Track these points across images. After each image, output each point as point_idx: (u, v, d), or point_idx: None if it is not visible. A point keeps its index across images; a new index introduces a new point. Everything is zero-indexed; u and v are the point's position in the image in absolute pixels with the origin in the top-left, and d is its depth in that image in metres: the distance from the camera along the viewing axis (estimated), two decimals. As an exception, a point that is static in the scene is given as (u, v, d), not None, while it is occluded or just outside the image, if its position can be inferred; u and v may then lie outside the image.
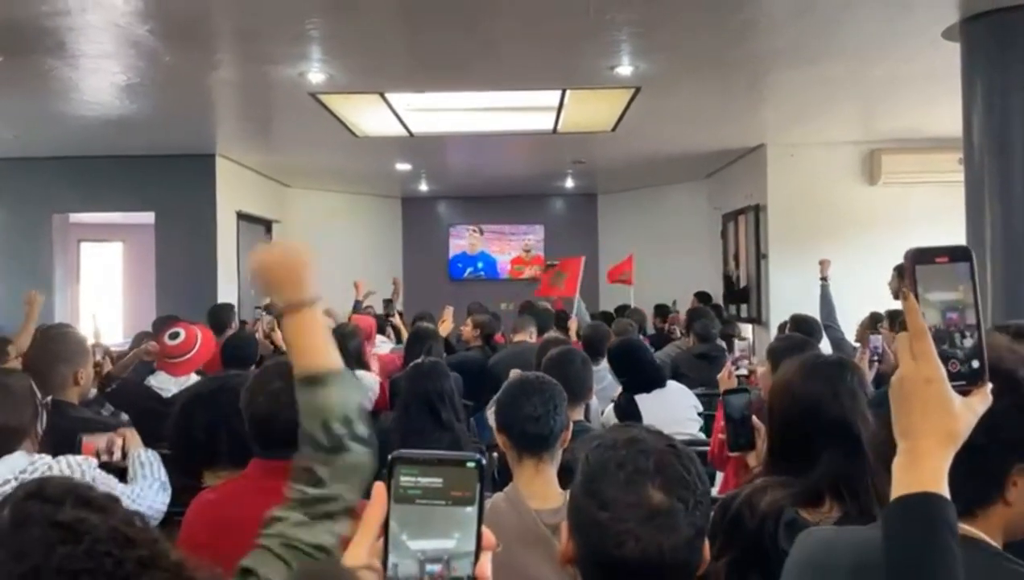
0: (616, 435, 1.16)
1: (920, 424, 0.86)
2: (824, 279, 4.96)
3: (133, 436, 2.33)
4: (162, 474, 2.23)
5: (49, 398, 2.37)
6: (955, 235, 4.18)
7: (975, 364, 0.88)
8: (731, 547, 1.55)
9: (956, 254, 0.90)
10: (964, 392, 0.87)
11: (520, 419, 1.87)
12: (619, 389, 3.76)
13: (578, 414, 2.71)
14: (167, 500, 2.20)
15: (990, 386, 0.88)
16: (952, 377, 0.87)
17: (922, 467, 0.85)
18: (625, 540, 1.04)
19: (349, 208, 10.43)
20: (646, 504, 1.05)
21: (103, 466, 2.18)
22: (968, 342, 0.88)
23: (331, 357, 1.19)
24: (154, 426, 2.46)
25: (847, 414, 1.63)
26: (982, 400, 0.88)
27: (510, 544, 1.73)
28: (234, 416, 1.81)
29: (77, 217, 8.55)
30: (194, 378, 3.32)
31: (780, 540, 1.48)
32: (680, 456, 1.11)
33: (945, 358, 0.87)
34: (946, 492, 0.84)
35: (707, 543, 1.13)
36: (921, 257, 0.90)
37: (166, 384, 3.36)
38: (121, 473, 2.22)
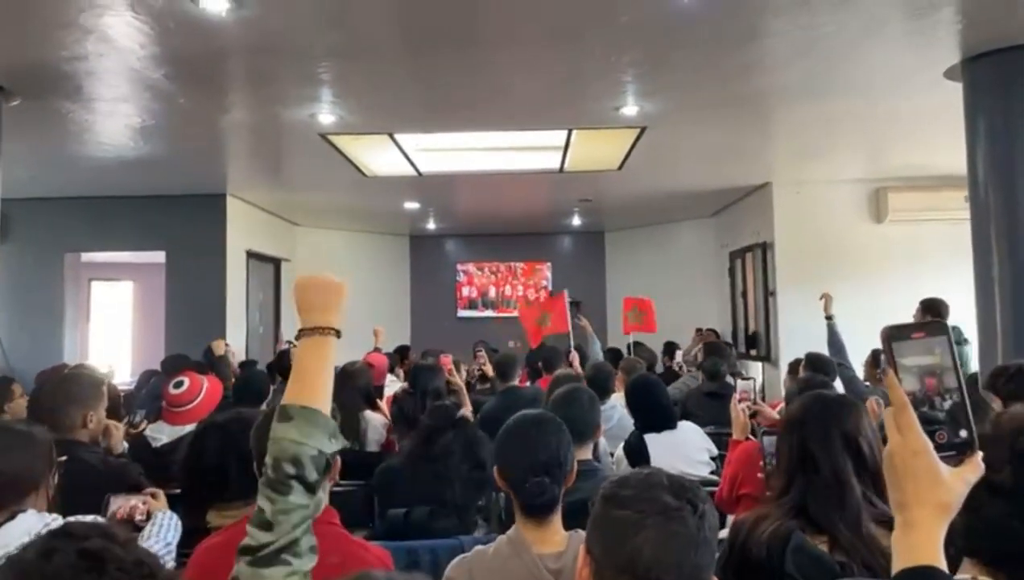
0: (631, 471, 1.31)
1: (912, 496, 0.88)
2: (829, 317, 4.91)
3: (159, 499, 2.33)
4: (170, 536, 2.21)
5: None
6: (963, 272, 4.18)
7: (963, 434, 0.89)
8: (740, 576, 1.57)
9: (932, 330, 0.92)
10: (955, 463, 0.88)
11: (525, 491, 1.81)
12: (629, 427, 3.74)
13: (586, 453, 2.68)
14: (167, 561, 2.17)
15: (980, 454, 0.89)
16: (941, 448, 0.88)
17: (916, 539, 0.87)
18: (639, 530, 1.15)
19: (358, 246, 10.50)
20: (660, 502, 1.18)
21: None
22: (947, 404, 0.90)
23: (313, 394, 1.17)
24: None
25: (816, 449, 1.69)
26: (974, 470, 0.89)
27: None
28: (245, 445, 1.81)
29: (89, 256, 8.64)
30: (189, 428, 3.27)
31: (787, 565, 1.53)
32: (690, 481, 1.25)
33: (932, 430, 0.88)
34: (941, 563, 0.86)
35: None
36: (897, 334, 0.92)
37: (159, 433, 3.29)
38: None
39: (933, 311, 4.95)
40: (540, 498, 1.80)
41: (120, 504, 2.31)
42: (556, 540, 1.79)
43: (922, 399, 0.90)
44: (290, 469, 1.11)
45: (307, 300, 1.25)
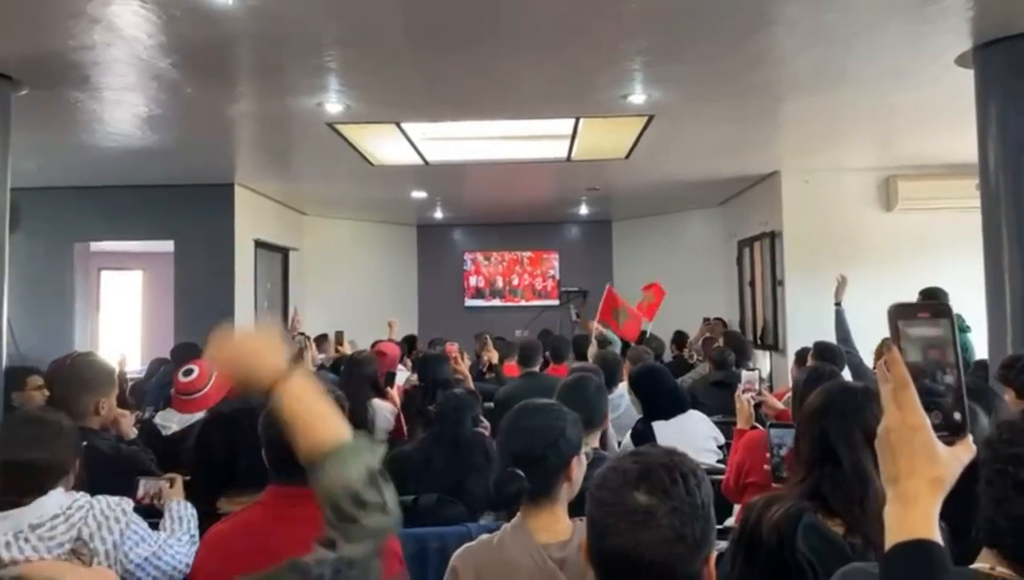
0: (628, 455, 1.31)
1: (907, 470, 0.88)
2: (838, 303, 4.93)
3: (176, 486, 2.35)
4: (193, 527, 2.23)
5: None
6: (973, 261, 4.15)
7: (957, 416, 0.91)
8: (750, 560, 1.58)
9: (937, 311, 0.95)
10: (947, 443, 0.90)
11: (494, 480, 1.83)
12: (635, 417, 3.75)
13: (594, 441, 2.69)
14: (193, 554, 2.19)
15: (971, 437, 0.91)
16: (936, 428, 0.90)
17: (913, 513, 0.87)
18: (608, 533, 1.19)
19: (365, 235, 10.52)
20: (629, 503, 1.19)
21: (140, 509, 2.20)
22: (949, 379, 0.91)
23: (324, 432, 1.14)
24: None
25: (837, 443, 1.68)
26: (966, 450, 0.90)
27: None
28: (253, 436, 1.83)
29: (98, 245, 8.68)
30: (199, 416, 3.29)
31: (798, 543, 1.52)
32: (670, 468, 1.22)
33: (928, 404, 0.90)
34: (938, 536, 0.86)
35: (711, 560, 1.20)
36: (902, 312, 0.94)
37: (168, 421, 3.32)
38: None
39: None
40: (504, 488, 1.78)
41: (149, 487, 2.36)
42: (560, 529, 1.76)
43: (924, 371, 0.92)
44: (351, 507, 1.08)
45: (246, 368, 1.18)
